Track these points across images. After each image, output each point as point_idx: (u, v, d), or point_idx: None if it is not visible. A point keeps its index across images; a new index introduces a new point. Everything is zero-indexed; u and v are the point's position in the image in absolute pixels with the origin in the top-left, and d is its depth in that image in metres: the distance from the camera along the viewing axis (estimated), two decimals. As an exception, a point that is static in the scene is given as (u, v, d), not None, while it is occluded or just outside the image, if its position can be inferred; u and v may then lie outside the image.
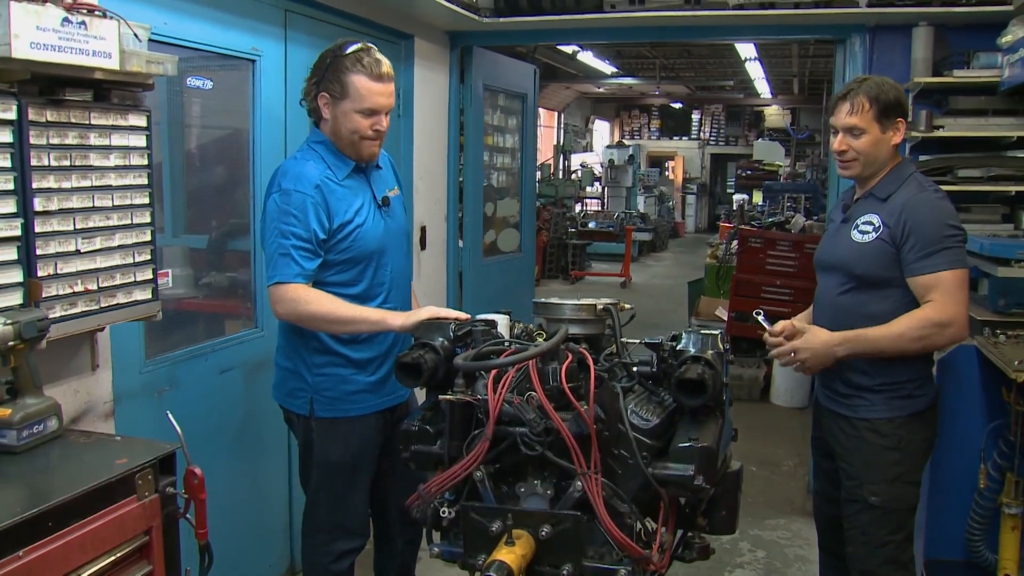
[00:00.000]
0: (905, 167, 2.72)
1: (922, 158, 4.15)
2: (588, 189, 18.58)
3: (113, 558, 1.68)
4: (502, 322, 2.47)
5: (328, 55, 2.67)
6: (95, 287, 2.26)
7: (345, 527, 2.82)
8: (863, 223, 2.66)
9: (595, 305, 2.38)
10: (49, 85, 2.11)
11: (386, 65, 2.70)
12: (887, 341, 2.56)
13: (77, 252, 2.20)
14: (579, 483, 2.02)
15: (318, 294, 2.59)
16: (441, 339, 2.35)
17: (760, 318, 2.76)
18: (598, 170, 19.24)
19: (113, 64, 2.14)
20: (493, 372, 2.08)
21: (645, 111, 23.25)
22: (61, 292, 2.16)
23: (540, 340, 2.26)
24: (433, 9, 4.19)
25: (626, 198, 18.91)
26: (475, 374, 2.17)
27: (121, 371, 2.68)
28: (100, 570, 1.66)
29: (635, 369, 2.25)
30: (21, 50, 1.90)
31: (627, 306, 2.51)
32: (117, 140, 2.29)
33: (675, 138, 23.23)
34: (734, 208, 15.87)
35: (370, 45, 2.72)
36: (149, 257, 2.43)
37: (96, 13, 2.09)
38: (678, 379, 2.10)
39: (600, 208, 18.87)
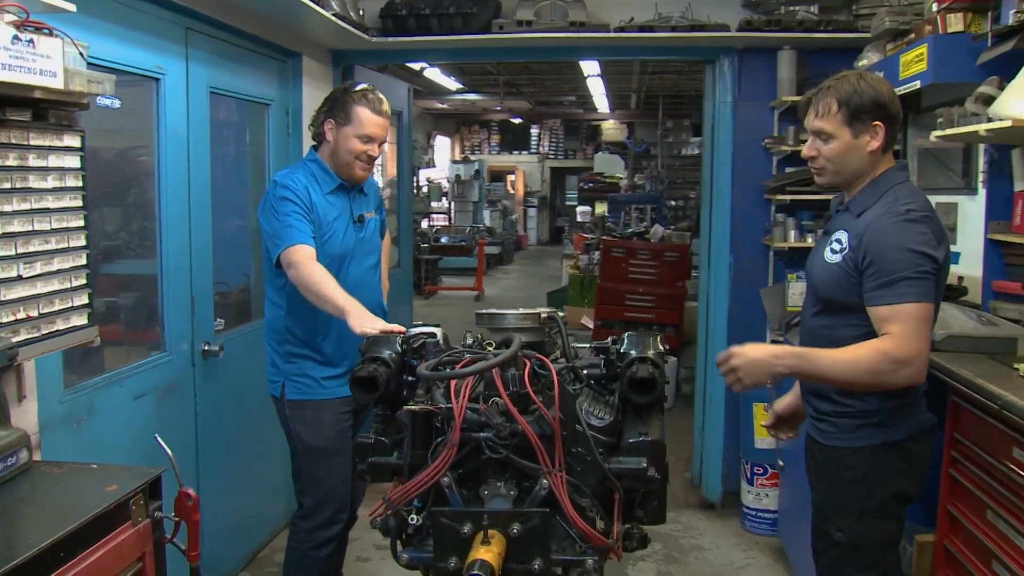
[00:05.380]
0: (887, 178, 2.41)
1: (788, 170, 4.53)
2: (434, 204, 18.71)
3: (114, 586, 1.66)
4: (437, 335, 2.57)
5: (339, 91, 3.16)
6: (36, 314, 2.19)
7: (325, 514, 3.10)
8: (834, 240, 2.43)
9: (539, 314, 2.51)
10: (-13, 105, 2.04)
11: (386, 104, 3.11)
12: (836, 367, 2.27)
13: (19, 278, 2.13)
14: (545, 481, 2.12)
15: (310, 263, 2.85)
16: (389, 352, 2.42)
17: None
18: (445, 185, 19.40)
19: (58, 83, 2.10)
20: (454, 381, 2.16)
21: (485, 126, 23.58)
22: (5, 320, 2.09)
23: (490, 350, 2.36)
24: (322, 28, 4.20)
25: (473, 212, 19.16)
26: (432, 383, 2.25)
27: (42, 402, 2.58)
28: (101, 599, 1.63)
29: (585, 372, 2.40)
30: (-25, 70, 1.84)
31: (561, 313, 2.66)
32: (54, 161, 2.23)
33: (515, 152, 23.68)
34: (579, 220, 16.39)
35: (373, 86, 3.15)
36: (85, 281, 2.37)
37: (43, 31, 2.04)
38: (630, 378, 2.25)
39: (447, 223, 19.02)
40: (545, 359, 2.24)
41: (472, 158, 21.04)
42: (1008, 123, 2.74)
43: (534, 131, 23.27)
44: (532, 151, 23.47)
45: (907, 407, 2.41)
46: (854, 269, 2.33)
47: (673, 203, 13.99)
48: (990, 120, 2.90)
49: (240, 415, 3.84)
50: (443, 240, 15.74)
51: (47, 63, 2.05)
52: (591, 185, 17.89)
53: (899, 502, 2.44)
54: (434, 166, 20.55)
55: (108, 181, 3.41)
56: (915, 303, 2.22)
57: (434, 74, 13.72)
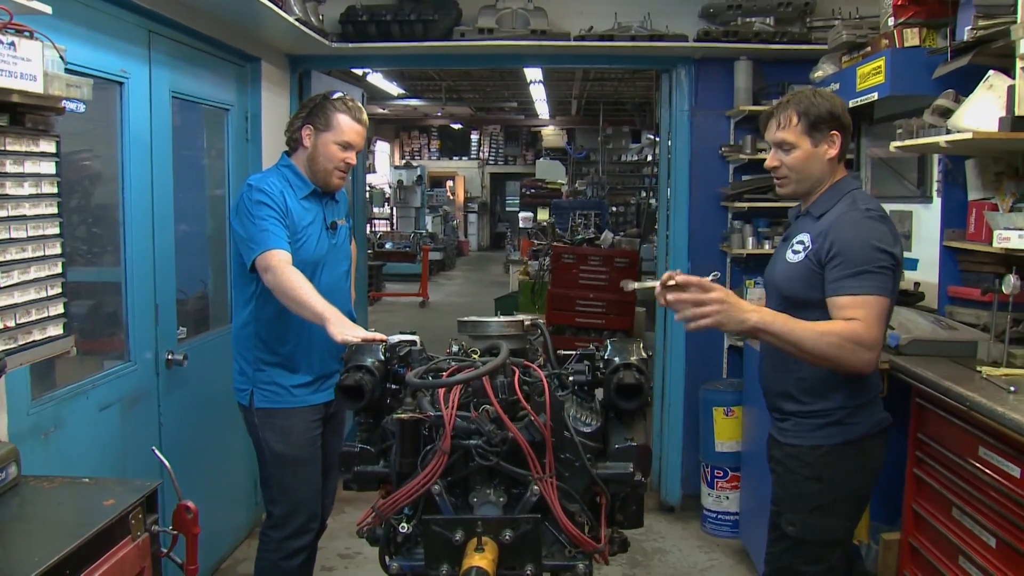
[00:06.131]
0: (844, 184, 2.55)
1: (745, 178, 4.62)
2: (376, 210, 18.60)
3: (114, 603, 1.61)
4: (417, 343, 2.57)
5: (318, 98, 3.10)
6: (13, 324, 2.13)
7: (295, 523, 3.06)
8: (796, 243, 2.54)
9: (522, 321, 2.53)
10: (-37, 110, 1.98)
11: (364, 113, 3.12)
12: (805, 334, 2.26)
13: (-4, 287, 2.07)
14: (536, 487, 2.14)
15: (287, 268, 2.80)
16: (372, 360, 2.40)
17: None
18: (387, 191, 19.30)
19: (37, 87, 2.04)
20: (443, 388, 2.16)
21: (425, 132, 23.53)
22: (-18, 330, 2.02)
23: (476, 357, 2.37)
24: (283, 33, 4.15)
25: (415, 218, 19.09)
26: (418, 391, 2.25)
27: (10, 413, 2.50)
28: (101, 617, 1.59)
29: (571, 379, 2.42)
30: (-43, 73, 1.79)
31: (541, 320, 2.68)
32: (30, 167, 2.17)
33: (455, 158, 23.68)
34: (521, 226, 16.43)
35: (351, 96, 3.14)
36: (60, 290, 2.31)
37: (24, 34, 1.98)
38: (617, 384, 2.27)
39: (389, 229, 18.93)
40: (532, 365, 2.26)
41: (413, 163, 20.97)
42: (968, 135, 2.85)
43: (474, 137, 23.32)
44: (472, 157, 23.51)
45: (866, 406, 2.51)
46: (817, 263, 2.43)
47: (615, 209, 14.12)
48: (948, 132, 3.01)
49: (203, 425, 3.77)
50: (387, 246, 15.65)
51: (27, 66, 2.00)
52: (533, 191, 17.95)
53: (851, 501, 2.55)
54: (375, 171, 20.45)
55: (67, 186, 3.32)
56: (876, 295, 2.32)
57: (376, 79, 13.64)
